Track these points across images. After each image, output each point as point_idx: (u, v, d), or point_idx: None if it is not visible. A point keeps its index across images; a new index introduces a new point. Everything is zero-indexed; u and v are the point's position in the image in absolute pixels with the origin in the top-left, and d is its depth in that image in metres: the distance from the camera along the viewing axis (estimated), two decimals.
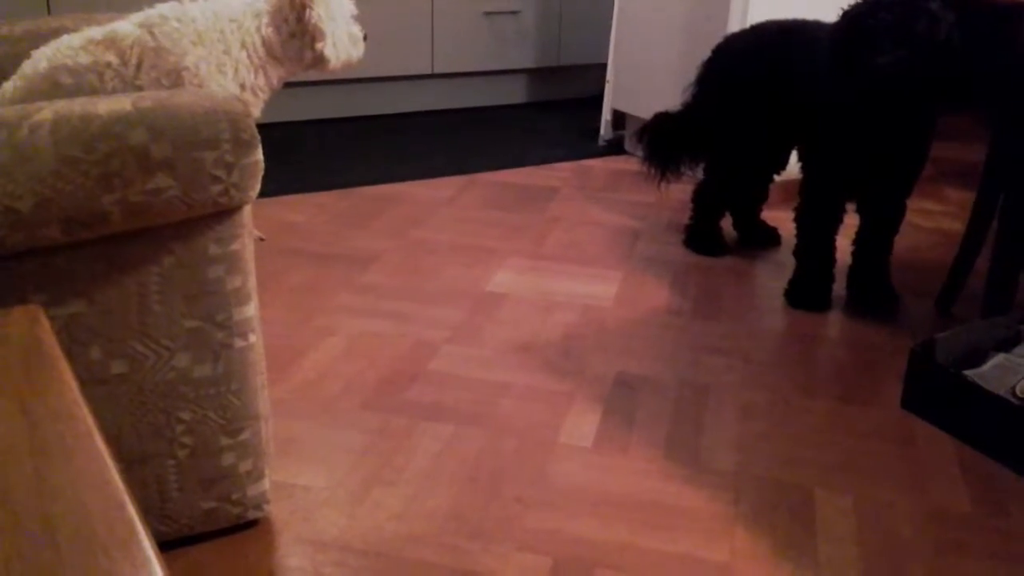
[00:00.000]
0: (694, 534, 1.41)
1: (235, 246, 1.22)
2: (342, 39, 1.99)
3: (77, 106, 1.09)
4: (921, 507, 1.50)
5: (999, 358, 1.81)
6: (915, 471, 1.60)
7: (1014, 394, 1.69)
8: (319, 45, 1.92)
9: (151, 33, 1.71)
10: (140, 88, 1.70)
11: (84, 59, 1.65)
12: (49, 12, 2.90)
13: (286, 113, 3.51)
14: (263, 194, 1.24)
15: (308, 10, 1.88)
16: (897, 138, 2.01)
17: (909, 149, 2.03)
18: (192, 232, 1.18)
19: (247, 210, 1.23)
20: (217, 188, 1.15)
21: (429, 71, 3.70)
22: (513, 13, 3.79)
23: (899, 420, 1.75)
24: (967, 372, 1.74)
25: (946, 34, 1.85)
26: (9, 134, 1.04)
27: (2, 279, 1.09)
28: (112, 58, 1.67)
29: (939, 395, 1.72)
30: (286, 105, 3.47)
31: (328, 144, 3.32)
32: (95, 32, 1.69)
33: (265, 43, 1.87)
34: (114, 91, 1.67)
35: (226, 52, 1.80)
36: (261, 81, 1.90)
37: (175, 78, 1.73)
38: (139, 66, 1.70)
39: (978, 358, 1.82)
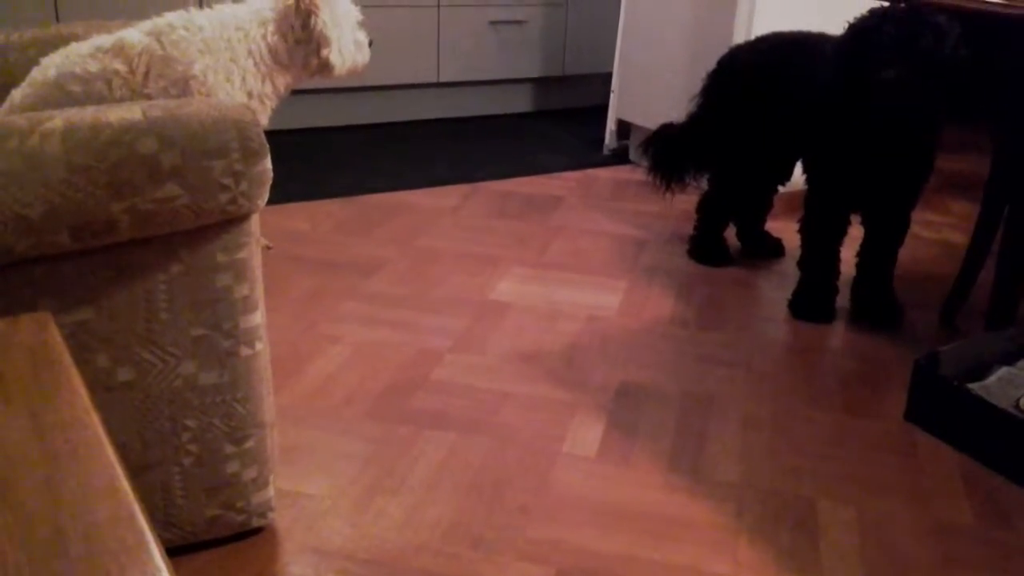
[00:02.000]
0: (697, 545, 1.41)
1: (242, 254, 1.22)
2: (348, 45, 1.99)
3: (87, 114, 1.09)
4: (924, 519, 1.50)
5: (1003, 371, 1.81)
6: (918, 483, 1.60)
7: (1018, 407, 1.69)
8: (325, 51, 1.93)
9: (159, 42, 1.72)
10: (148, 96, 1.71)
11: (93, 67, 1.66)
12: (58, 20, 2.92)
13: (292, 121, 3.52)
14: (269, 201, 1.25)
15: (313, 16, 1.89)
16: (902, 151, 2.01)
17: (914, 161, 2.04)
18: (200, 240, 1.18)
19: (255, 218, 1.24)
20: (225, 197, 1.15)
21: (435, 80, 3.71)
22: (519, 23, 3.80)
23: (902, 432, 1.75)
24: (971, 385, 1.74)
25: (952, 47, 1.85)
26: (20, 141, 1.05)
27: (11, 285, 1.10)
28: (120, 66, 1.68)
29: (943, 408, 1.72)
30: (293, 113, 3.48)
31: (334, 152, 3.33)
32: (104, 40, 1.70)
33: (271, 51, 1.88)
34: (122, 99, 1.68)
35: (233, 60, 1.81)
36: (268, 89, 1.91)
37: (183, 87, 1.73)
38: (147, 74, 1.70)
39: (982, 371, 1.82)
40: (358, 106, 3.66)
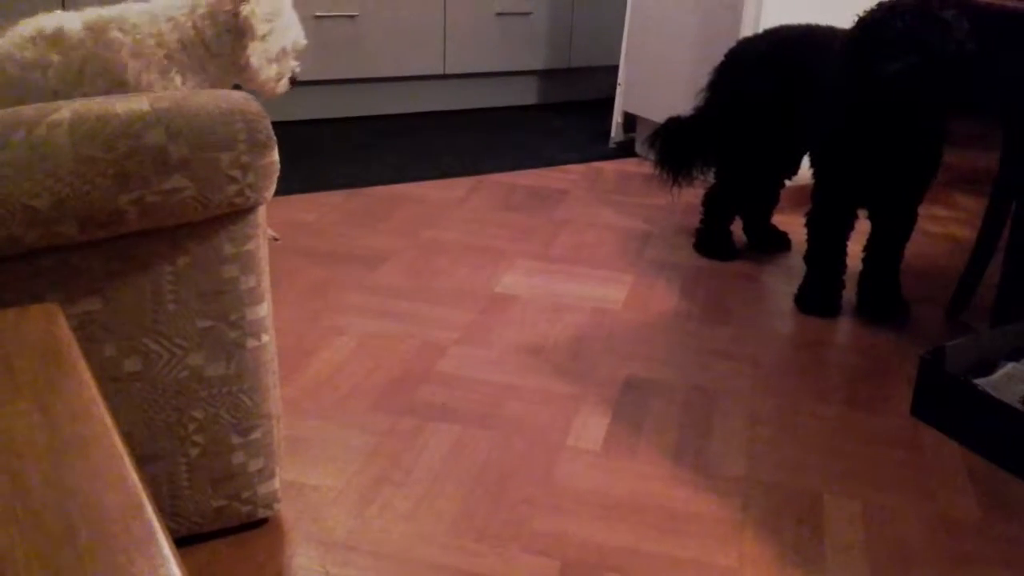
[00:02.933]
0: (702, 539, 1.41)
1: (249, 246, 1.22)
2: (270, 57, 1.89)
3: (95, 105, 1.10)
4: (929, 515, 1.50)
5: (1009, 367, 1.80)
6: (924, 478, 1.60)
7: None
8: (249, 43, 1.84)
9: (95, 40, 1.69)
10: (84, 94, 1.68)
11: (29, 54, 1.65)
12: (64, 9, 2.91)
13: (298, 112, 3.52)
14: (275, 193, 1.25)
15: (243, 3, 1.81)
16: (909, 145, 2.00)
17: (921, 156, 2.03)
18: (207, 232, 1.18)
19: (262, 210, 1.24)
20: (233, 188, 1.15)
21: (441, 72, 3.71)
22: (525, 14, 3.79)
23: (908, 427, 1.75)
24: (977, 380, 1.74)
25: (960, 42, 1.85)
26: (28, 132, 1.05)
27: (19, 277, 1.10)
28: (56, 57, 1.66)
29: (948, 403, 1.72)
30: (298, 104, 3.48)
31: (340, 144, 3.33)
32: (46, 23, 1.67)
33: (199, 34, 1.80)
34: (57, 89, 1.66)
35: (168, 57, 1.76)
36: (206, 84, 1.86)
37: (122, 92, 1.70)
38: (81, 71, 1.68)
39: (988, 367, 1.82)
40: (364, 98, 3.66)
